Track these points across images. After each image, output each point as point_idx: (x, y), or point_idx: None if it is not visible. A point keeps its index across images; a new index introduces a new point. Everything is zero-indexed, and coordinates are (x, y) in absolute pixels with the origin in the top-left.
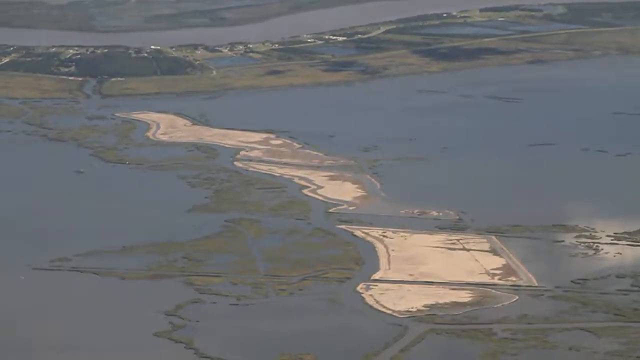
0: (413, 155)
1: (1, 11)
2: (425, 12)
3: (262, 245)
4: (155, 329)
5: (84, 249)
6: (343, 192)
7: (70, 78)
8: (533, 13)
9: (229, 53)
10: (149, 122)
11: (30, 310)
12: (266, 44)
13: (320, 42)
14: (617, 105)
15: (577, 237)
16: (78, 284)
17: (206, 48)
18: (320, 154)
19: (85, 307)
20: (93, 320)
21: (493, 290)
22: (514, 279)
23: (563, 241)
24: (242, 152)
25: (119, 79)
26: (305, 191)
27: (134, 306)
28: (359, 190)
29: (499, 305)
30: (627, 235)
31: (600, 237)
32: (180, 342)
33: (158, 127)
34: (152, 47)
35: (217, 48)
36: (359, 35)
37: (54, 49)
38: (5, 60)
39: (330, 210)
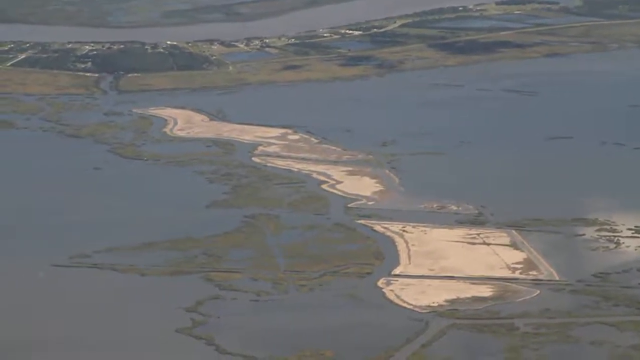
0: (431, 149)
1: (16, 7)
2: (441, 6)
3: (281, 240)
4: (176, 326)
5: (102, 245)
6: (362, 187)
7: (87, 74)
8: (549, 6)
9: (245, 48)
10: (166, 117)
11: (50, 307)
12: (282, 39)
13: (336, 36)
14: (634, 98)
15: (597, 230)
16: (97, 281)
17: (222, 43)
18: (338, 149)
19: (105, 303)
20: (114, 317)
21: (514, 285)
22: (535, 273)
23: (584, 235)
24: (260, 148)
25: (135, 74)
26: (323, 186)
27: (154, 302)
28: (378, 185)
29: (520, 299)
30: None
31: (621, 231)
32: (202, 338)
33: (175, 122)
34: (168, 42)
35: (233, 43)
36: (375, 29)
37: (70, 45)
38: (22, 57)
39: (350, 205)
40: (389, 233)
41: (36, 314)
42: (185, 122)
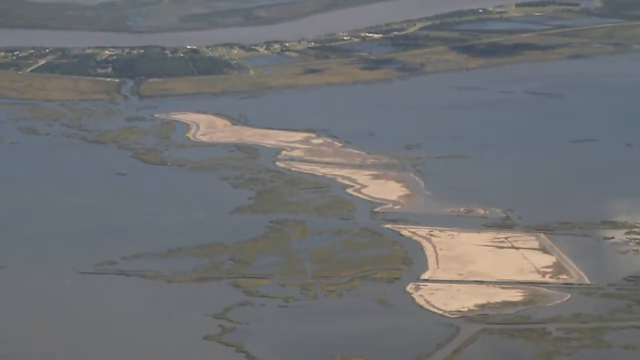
0: (456, 152)
1: (36, 13)
2: (461, 8)
3: (308, 246)
4: (204, 332)
5: (129, 251)
6: (387, 191)
7: (107, 79)
8: (570, 7)
9: (265, 52)
10: (188, 122)
11: (77, 315)
12: (302, 43)
13: (356, 39)
14: None
15: (626, 233)
16: (124, 288)
17: (242, 47)
18: (362, 153)
19: (133, 311)
20: (142, 324)
21: (544, 289)
22: (565, 277)
23: (613, 238)
24: (284, 152)
25: (156, 79)
26: (349, 190)
27: (182, 309)
28: (403, 189)
29: (551, 304)
30: None
31: None
32: (231, 345)
33: (198, 127)
34: (188, 46)
35: (253, 47)
36: (395, 32)
37: (89, 51)
38: (42, 62)
39: (376, 210)
40: (416, 237)
41: (62, 321)
42: (208, 127)
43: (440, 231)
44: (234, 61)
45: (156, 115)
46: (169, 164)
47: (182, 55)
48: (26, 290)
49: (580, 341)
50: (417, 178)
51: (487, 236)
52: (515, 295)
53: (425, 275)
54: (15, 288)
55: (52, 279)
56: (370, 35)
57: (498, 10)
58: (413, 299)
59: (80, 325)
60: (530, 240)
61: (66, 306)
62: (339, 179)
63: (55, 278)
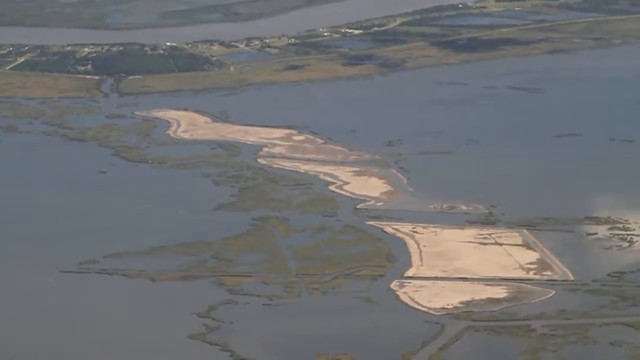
0: (438, 148)
1: (13, 10)
2: (441, 3)
3: (291, 243)
4: (189, 332)
5: (111, 250)
6: (370, 187)
7: (87, 77)
8: (550, 2)
9: (246, 48)
10: (169, 120)
11: (60, 315)
12: (282, 39)
13: (336, 35)
14: None
15: (610, 229)
16: (108, 287)
17: (222, 44)
18: (344, 149)
19: (116, 310)
20: (126, 324)
21: (529, 285)
22: (549, 273)
23: (596, 234)
24: (265, 149)
25: (136, 76)
26: (331, 187)
27: (166, 308)
28: (386, 186)
29: (536, 300)
30: None
31: (634, 229)
32: (216, 344)
33: (179, 124)
34: (168, 43)
35: (233, 43)
36: (376, 28)
37: (69, 48)
38: (21, 60)
39: (359, 207)
40: (399, 234)
41: (46, 322)
42: (189, 124)
43: (424, 228)
44: (214, 58)
45: (137, 113)
46: (150, 161)
47: (162, 52)
48: (9, 290)
49: (565, 338)
50: (399, 174)
51: (470, 232)
52: (499, 292)
53: (409, 273)
54: None
55: (35, 279)
56: (351, 31)
57: (478, 5)
58: (397, 297)
59: (64, 325)
60: (513, 237)
61: (50, 306)
62: (321, 176)
63: (38, 277)
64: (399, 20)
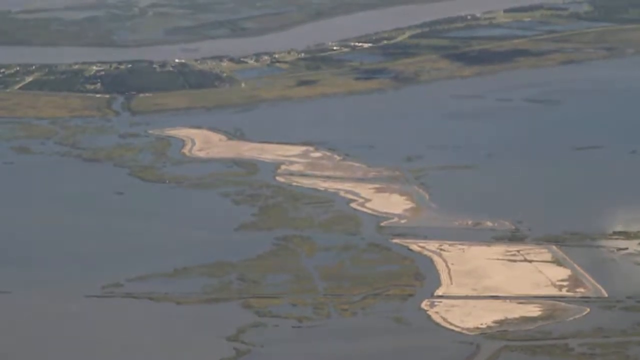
0: (458, 163)
1: (19, 29)
2: (449, 15)
3: (316, 263)
4: (220, 356)
5: (135, 273)
6: (392, 204)
7: (97, 95)
8: (559, 12)
9: (255, 64)
10: (183, 138)
11: (86, 341)
12: (292, 53)
13: (346, 49)
14: None
15: None
16: (133, 311)
17: (231, 59)
18: (363, 166)
19: (144, 335)
20: (156, 349)
21: (562, 303)
22: (582, 290)
23: (627, 249)
24: (283, 167)
25: (147, 94)
26: (353, 205)
27: (195, 332)
28: (408, 202)
29: (571, 318)
30: None
31: None
32: None
33: (193, 143)
34: (177, 60)
35: (242, 59)
36: (385, 41)
37: (77, 66)
38: (29, 80)
39: (382, 224)
40: (426, 252)
41: (73, 348)
42: (204, 142)
43: (450, 245)
44: (224, 74)
45: (150, 131)
46: (167, 181)
47: (171, 69)
48: (35, 316)
49: (605, 356)
50: (421, 190)
51: (498, 249)
52: (533, 310)
53: (439, 291)
54: (23, 314)
55: (59, 304)
56: (360, 44)
57: (486, 16)
58: (429, 316)
59: (93, 352)
60: (542, 253)
61: (76, 332)
62: (342, 193)
63: (62, 302)
64: (407, 33)
